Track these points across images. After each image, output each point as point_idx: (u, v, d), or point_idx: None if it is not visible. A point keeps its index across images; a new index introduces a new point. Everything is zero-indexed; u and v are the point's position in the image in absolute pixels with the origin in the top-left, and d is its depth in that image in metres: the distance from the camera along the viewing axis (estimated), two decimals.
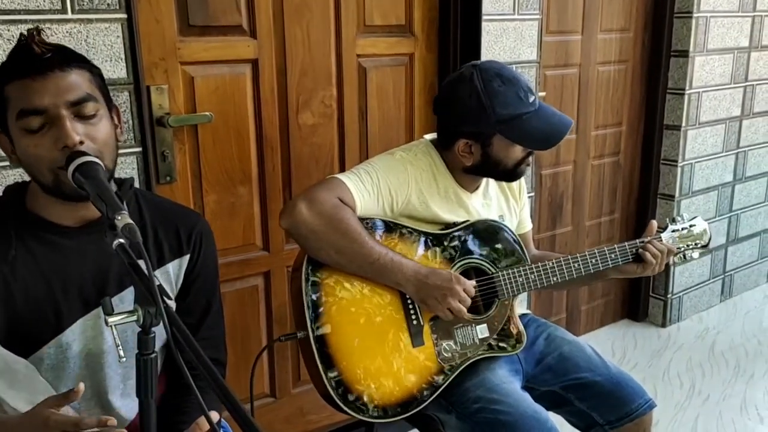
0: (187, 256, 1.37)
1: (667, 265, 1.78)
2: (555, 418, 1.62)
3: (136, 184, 1.78)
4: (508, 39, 2.51)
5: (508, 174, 1.70)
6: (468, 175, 1.70)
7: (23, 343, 1.21)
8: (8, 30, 1.57)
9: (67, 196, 1.18)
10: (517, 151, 1.65)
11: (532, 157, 1.74)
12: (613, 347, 3.27)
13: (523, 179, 1.84)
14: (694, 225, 1.82)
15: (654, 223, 1.78)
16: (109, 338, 1.27)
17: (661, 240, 1.75)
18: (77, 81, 1.16)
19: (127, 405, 1.34)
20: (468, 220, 1.69)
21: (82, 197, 1.16)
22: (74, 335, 1.24)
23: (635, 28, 3.17)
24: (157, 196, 1.57)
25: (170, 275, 1.35)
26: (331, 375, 1.53)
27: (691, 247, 1.82)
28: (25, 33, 1.16)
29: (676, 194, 3.32)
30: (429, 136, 1.77)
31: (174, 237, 1.35)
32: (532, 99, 1.61)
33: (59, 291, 1.23)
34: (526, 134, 1.61)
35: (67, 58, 1.17)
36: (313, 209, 1.51)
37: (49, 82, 1.13)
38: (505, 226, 1.72)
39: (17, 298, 1.20)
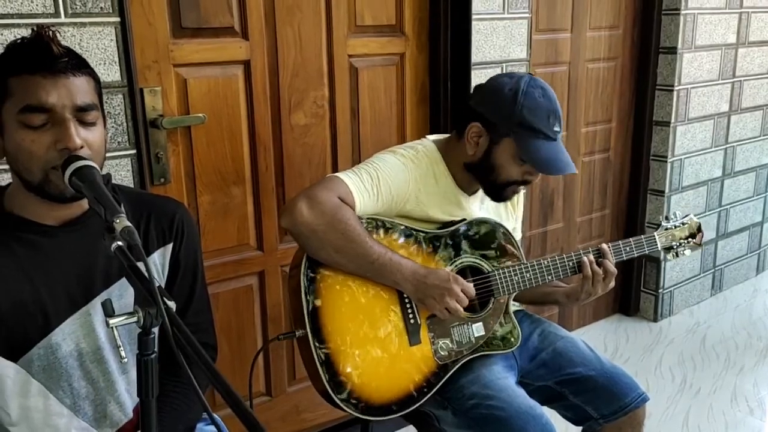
0: (171, 245, 1.37)
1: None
2: (549, 412, 1.64)
3: (131, 186, 1.80)
4: (498, 38, 2.53)
5: (494, 187, 1.70)
6: (467, 174, 1.71)
7: (10, 347, 1.21)
8: (1, 35, 1.57)
9: (51, 196, 1.18)
10: (515, 170, 1.65)
11: (524, 188, 1.75)
12: (605, 342, 3.30)
13: (522, 192, 1.83)
14: (686, 223, 1.85)
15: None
16: (103, 334, 1.27)
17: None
18: (85, 87, 1.18)
19: (127, 400, 1.35)
20: (465, 219, 1.70)
21: (66, 199, 1.18)
22: (63, 335, 1.24)
23: (624, 25, 3.19)
24: (134, 189, 1.57)
25: (156, 266, 1.35)
26: (328, 372, 1.54)
27: (683, 245, 1.85)
28: (35, 29, 1.17)
29: (666, 190, 3.34)
30: (432, 137, 1.77)
31: (156, 227, 1.35)
32: (556, 128, 1.62)
33: (45, 291, 1.22)
34: (533, 151, 1.61)
35: (79, 64, 1.19)
36: (314, 209, 1.52)
37: (60, 83, 1.15)
38: (501, 224, 1.73)
39: (1, 302, 1.19)
